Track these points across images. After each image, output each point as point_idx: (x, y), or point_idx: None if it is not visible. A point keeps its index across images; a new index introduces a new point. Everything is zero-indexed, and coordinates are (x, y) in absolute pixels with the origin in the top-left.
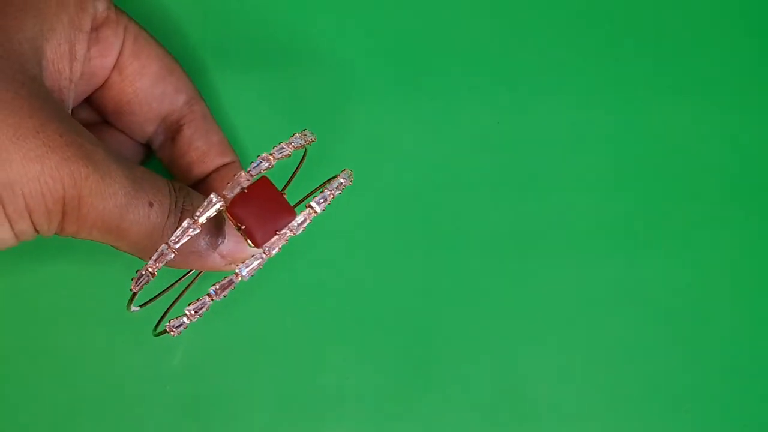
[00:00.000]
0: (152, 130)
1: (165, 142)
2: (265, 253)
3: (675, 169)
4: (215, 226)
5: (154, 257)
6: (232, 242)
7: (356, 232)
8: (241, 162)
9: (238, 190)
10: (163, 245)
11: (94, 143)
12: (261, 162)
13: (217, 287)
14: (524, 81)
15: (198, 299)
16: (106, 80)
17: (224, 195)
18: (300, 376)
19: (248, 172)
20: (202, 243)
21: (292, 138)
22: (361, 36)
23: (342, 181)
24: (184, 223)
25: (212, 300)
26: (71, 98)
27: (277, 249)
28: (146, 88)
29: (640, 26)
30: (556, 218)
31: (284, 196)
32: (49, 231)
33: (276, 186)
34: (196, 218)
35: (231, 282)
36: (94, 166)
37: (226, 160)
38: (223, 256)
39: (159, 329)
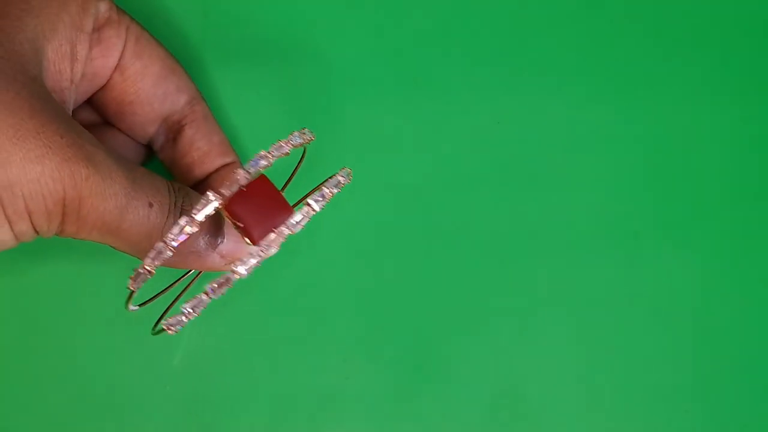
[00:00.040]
0: (153, 130)
1: (166, 143)
2: (263, 251)
3: (675, 168)
4: (215, 226)
5: (151, 255)
6: (232, 242)
7: (356, 231)
8: (241, 162)
9: (235, 188)
10: (160, 243)
11: (95, 144)
12: (259, 160)
13: (215, 285)
14: (524, 81)
15: (195, 297)
16: (108, 81)
17: (222, 193)
18: (300, 376)
19: (246, 170)
20: (202, 243)
21: (291, 136)
22: (362, 36)
23: (340, 179)
24: (181, 221)
25: (209, 298)
26: (72, 99)
27: (275, 247)
28: (148, 89)
29: (640, 26)
30: (556, 218)
31: (282, 194)
32: (49, 232)
33: (274, 184)
34: (193, 216)
35: (228, 279)
36: (94, 167)
37: (227, 160)
38: (222, 256)
39: (157, 328)
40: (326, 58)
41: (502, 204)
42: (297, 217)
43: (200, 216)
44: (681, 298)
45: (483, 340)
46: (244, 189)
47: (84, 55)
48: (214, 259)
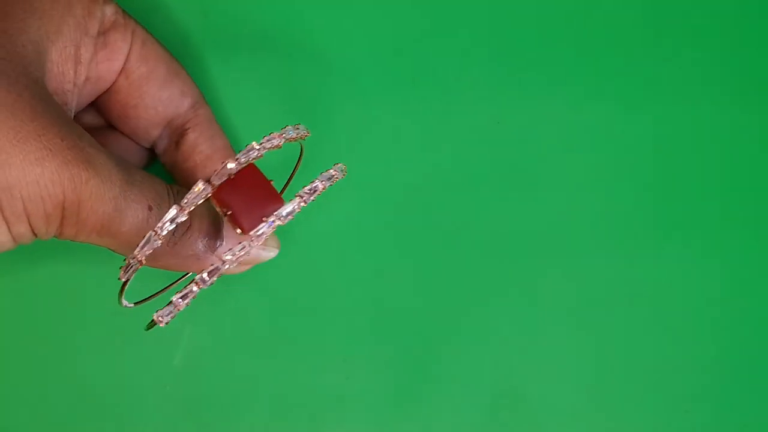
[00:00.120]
0: (157, 134)
1: (169, 146)
2: (252, 240)
3: (675, 168)
4: (213, 229)
5: (141, 244)
6: (231, 245)
7: (355, 231)
8: None
9: (225, 177)
10: (150, 232)
11: (95, 147)
12: (250, 150)
13: (204, 275)
14: (524, 81)
15: (185, 287)
16: (113, 84)
17: (212, 182)
18: (300, 376)
19: (236, 159)
20: (201, 246)
21: (284, 130)
22: (362, 35)
23: (333, 173)
24: (171, 210)
25: (199, 288)
26: (75, 102)
27: (263, 238)
28: (153, 93)
29: (640, 25)
30: (556, 218)
31: (272, 183)
32: (48, 234)
33: (264, 174)
34: (182, 205)
35: (217, 269)
36: (94, 170)
37: None
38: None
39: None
40: (326, 57)
41: (502, 204)
42: (288, 207)
43: (189, 205)
44: (681, 299)
45: (483, 340)
46: (233, 177)
47: (88, 58)
48: (213, 262)
